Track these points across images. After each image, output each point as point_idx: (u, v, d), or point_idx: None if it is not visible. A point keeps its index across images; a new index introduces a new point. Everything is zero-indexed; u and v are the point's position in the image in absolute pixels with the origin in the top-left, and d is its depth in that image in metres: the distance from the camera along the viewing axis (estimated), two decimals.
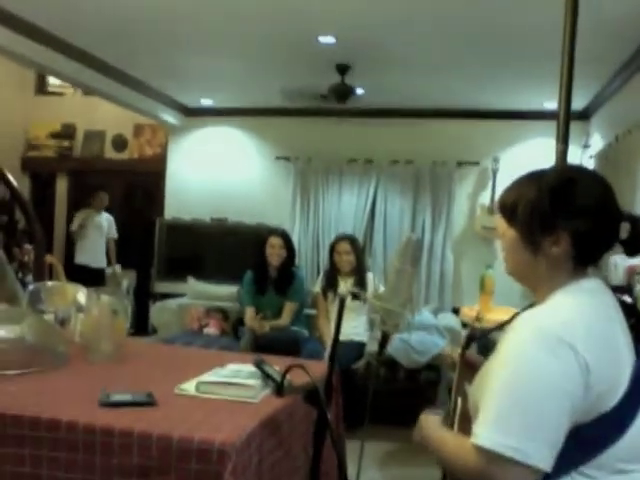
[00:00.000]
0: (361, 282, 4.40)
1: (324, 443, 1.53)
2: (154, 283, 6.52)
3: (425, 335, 4.15)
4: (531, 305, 1.54)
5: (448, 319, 4.79)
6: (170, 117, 6.43)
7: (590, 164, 5.25)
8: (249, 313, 4.53)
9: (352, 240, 4.68)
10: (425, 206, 5.90)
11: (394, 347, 3.95)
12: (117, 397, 1.63)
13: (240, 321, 4.62)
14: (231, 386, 1.74)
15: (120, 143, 7.87)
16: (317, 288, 4.77)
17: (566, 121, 2.94)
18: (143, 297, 6.82)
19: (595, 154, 5.13)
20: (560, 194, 1.36)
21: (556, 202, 1.36)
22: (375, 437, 3.91)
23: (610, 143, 4.68)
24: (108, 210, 7.16)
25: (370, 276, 4.55)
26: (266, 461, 1.57)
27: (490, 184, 5.81)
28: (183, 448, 1.41)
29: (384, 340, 1.60)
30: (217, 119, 6.57)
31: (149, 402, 1.63)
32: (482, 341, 2.31)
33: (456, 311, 5.18)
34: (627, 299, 3.13)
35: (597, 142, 5.24)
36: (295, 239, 6.03)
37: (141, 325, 6.07)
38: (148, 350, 2.44)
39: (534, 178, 1.42)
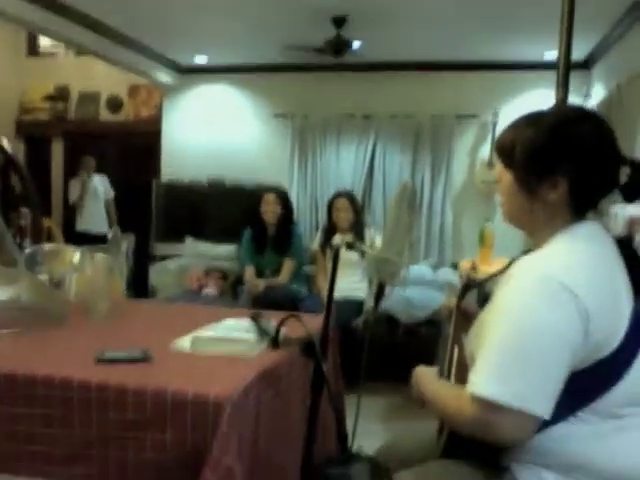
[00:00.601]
0: (359, 238, 4.38)
1: (321, 395, 1.52)
2: (153, 245, 6.50)
3: (424, 290, 4.14)
4: (528, 251, 1.51)
5: (447, 274, 4.78)
6: (164, 76, 6.31)
7: None
8: (248, 272, 4.53)
9: (350, 197, 4.66)
10: (424, 161, 5.83)
11: (393, 303, 3.95)
12: (112, 354, 1.62)
13: (239, 281, 4.62)
14: (227, 341, 1.73)
15: (115, 104, 7.77)
16: (315, 245, 4.76)
17: (566, 69, 2.87)
18: (143, 259, 6.82)
19: (596, 104, 5.06)
20: (559, 135, 1.32)
21: (554, 143, 1.31)
22: (376, 393, 3.95)
23: (611, 93, 4.60)
24: (104, 173, 7.11)
25: (368, 232, 4.54)
26: (265, 413, 1.57)
27: (490, 138, 5.73)
28: (178, 402, 1.40)
29: (380, 291, 1.58)
30: (212, 77, 6.45)
31: (144, 358, 1.62)
32: (480, 291, 2.28)
33: (456, 266, 5.18)
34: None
35: (598, 92, 5.15)
36: (294, 197, 5.98)
37: (141, 288, 6.07)
38: (145, 308, 2.44)
39: (533, 119, 1.38)
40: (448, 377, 1.56)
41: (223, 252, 5.03)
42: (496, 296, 1.38)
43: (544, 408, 1.21)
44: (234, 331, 1.78)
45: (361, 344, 3.81)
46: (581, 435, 1.29)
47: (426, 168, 5.81)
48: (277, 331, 1.49)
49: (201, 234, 5.90)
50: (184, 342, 1.78)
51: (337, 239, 1.49)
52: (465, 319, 1.69)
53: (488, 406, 1.22)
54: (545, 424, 1.25)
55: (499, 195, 1.46)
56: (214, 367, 1.59)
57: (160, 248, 6.31)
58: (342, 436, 1.26)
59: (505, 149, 1.39)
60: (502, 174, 1.42)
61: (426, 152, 5.82)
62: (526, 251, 1.53)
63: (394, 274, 1.49)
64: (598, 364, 1.26)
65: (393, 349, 4.01)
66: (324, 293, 4.34)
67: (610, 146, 1.34)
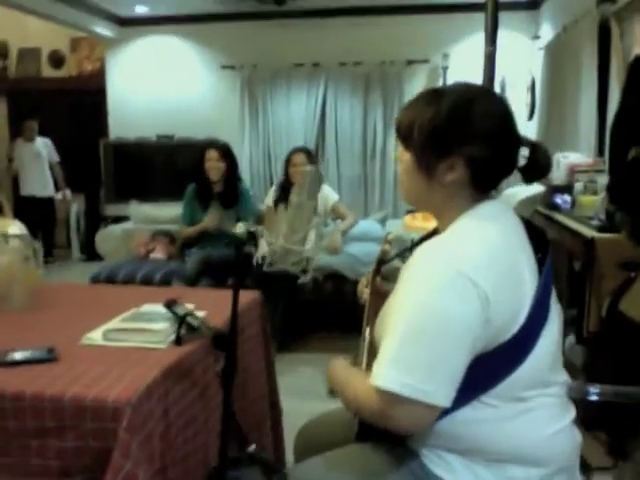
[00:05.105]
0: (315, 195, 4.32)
1: (233, 383, 1.49)
2: (103, 206, 6.35)
3: (371, 246, 4.09)
4: (434, 232, 1.48)
5: (397, 227, 4.74)
6: (104, 29, 6.04)
7: (539, 56, 5.11)
8: (186, 230, 4.46)
9: (307, 152, 4.57)
10: (376, 108, 5.72)
11: (339, 260, 3.90)
12: (16, 355, 1.57)
13: (186, 244, 4.52)
14: (139, 332, 1.68)
15: (57, 60, 7.47)
16: (269, 201, 4.67)
17: (494, 18, 2.78)
18: (94, 221, 6.68)
19: (544, 46, 4.97)
20: (457, 116, 1.29)
21: (452, 124, 1.29)
22: (324, 349, 3.95)
23: (558, 34, 4.52)
24: (50, 133, 6.89)
25: (324, 189, 4.46)
26: (174, 408, 1.53)
27: (441, 81, 5.63)
28: (77, 408, 1.36)
29: (294, 281, 1.54)
30: (155, 28, 6.18)
31: (49, 358, 1.57)
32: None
33: None
34: (538, 223, 3.12)
35: (547, 33, 5.05)
36: (246, 151, 5.89)
37: (92, 251, 5.96)
38: (64, 295, 2.34)
39: (433, 98, 1.34)
40: (361, 361, 1.54)
41: (170, 214, 4.90)
42: (399, 282, 1.35)
43: (445, 398, 1.21)
44: (148, 320, 1.73)
45: (309, 301, 3.88)
46: (484, 419, 1.29)
47: (378, 115, 5.72)
48: (179, 328, 1.44)
49: (150, 195, 5.75)
50: (96, 334, 1.72)
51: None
52: (380, 298, 1.66)
53: (391, 398, 1.21)
54: (449, 410, 1.25)
55: (399, 175, 1.42)
56: (121, 363, 1.54)
57: (111, 209, 6.19)
58: (240, 440, 1.23)
59: (404, 129, 1.36)
60: (402, 154, 1.38)
61: (377, 98, 5.72)
62: (432, 232, 1.49)
63: (298, 262, 1.44)
64: (500, 348, 1.25)
65: (341, 306, 3.98)
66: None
67: (508, 129, 1.31)
